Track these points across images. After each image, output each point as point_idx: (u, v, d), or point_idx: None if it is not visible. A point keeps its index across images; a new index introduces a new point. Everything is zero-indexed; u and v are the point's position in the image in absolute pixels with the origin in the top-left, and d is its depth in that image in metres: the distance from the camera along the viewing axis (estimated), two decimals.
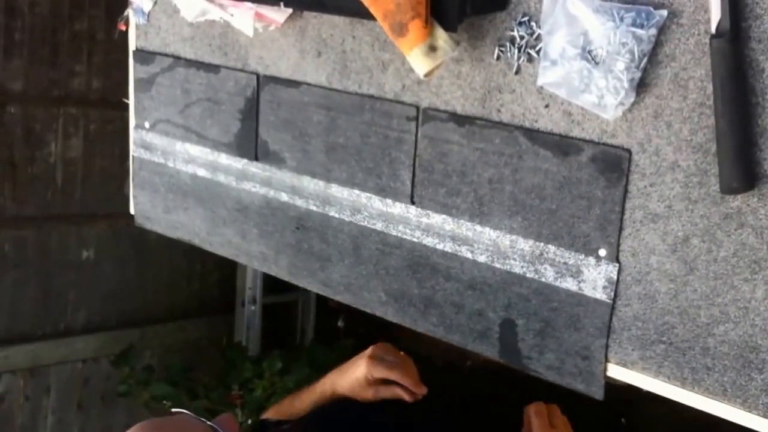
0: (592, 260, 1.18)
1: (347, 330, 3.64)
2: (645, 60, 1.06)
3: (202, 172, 1.73)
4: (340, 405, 1.43)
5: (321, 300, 4.22)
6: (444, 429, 1.40)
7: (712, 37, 1.00)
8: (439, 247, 1.36)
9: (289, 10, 1.45)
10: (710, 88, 1.03)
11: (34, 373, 3.60)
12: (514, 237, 1.26)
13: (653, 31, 1.05)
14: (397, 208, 1.40)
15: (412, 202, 1.38)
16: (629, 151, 1.12)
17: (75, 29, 3.52)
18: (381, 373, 1.42)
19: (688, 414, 1.57)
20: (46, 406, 3.67)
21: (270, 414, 1.54)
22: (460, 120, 1.29)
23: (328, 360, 3.09)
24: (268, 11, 1.46)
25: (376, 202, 1.43)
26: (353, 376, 1.44)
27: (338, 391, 1.45)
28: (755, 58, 0.99)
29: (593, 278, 1.19)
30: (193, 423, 1.10)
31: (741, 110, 1.00)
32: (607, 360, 1.20)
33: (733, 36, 0.98)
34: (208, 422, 1.10)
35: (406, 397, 1.40)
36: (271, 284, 3.98)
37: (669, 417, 1.60)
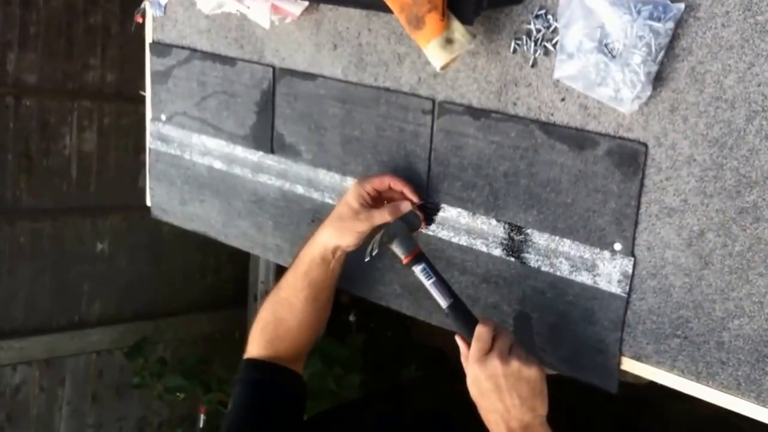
0: (607, 254, 1.18)
1: (359, 325, 3.64)
2: (662, 53, 1.06)
3: (218, 165, 1.74)
4: (337, 411, 1.40)
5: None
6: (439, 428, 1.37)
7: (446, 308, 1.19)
8: (455, 240, 1.36)
9: (306, 3, 1.46)
10: (726, 82, 1.03)
11: (49, 364, 3.64)
12: (529, 230, 1.26)
13: (670, 25, 1.04)
14: None
15: (428, 196, 1.38)
16: (645, 145, 1.12)
17: (89, 22, 3.54)
18: (374, 183, 1.32)
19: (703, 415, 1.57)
20: (61, 397, 3.70)
21: (257, 349, 1.37)
22: (476, 113, 1.29)
23: (341, 354, 3.10)
24: (284, 4, 1.47)
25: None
26: (341, 209, 1.32)
27: (324, 242, 1.32)
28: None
29: (608, 272, 1.19)
30: None
31: None
32: (621, 353, 1.20)
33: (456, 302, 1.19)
34: None
35: (410, 200, 1.32)
36: None
37: (685, 416, 1.59)
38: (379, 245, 1.24)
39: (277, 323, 1.37)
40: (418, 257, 1.22)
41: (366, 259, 1.26)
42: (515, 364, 1.09)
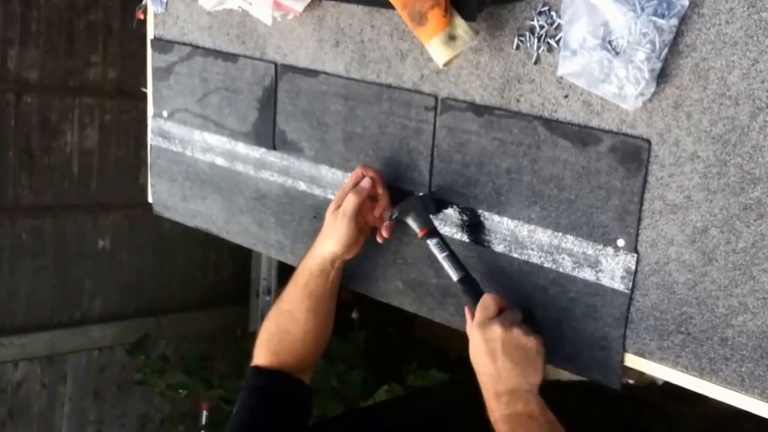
0: (610, 250, 1.18)
1: (361, 321, 3.65)
2: (666, 50, 1.06)
3: (220, 161, 1.74)
4: (340, 417, 1.41)
5: None
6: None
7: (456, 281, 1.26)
8: (457, 237, 1.36)
9: None
10: (730, 79, 1.03)
11: (51, 361, 3.64)
12: (532, 227, 1.26)
13: (674, 21, 1.04)
14: None
15: (430, 192, 1.38)
16: (649, 142, 1.12)
17: (90, 19, 3.54)
18: (345, 189, 1.34)
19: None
20: (62, 393, 3.71)
21: (263, 358, 1.40)
22: (479, 110, 1.29)
23: (343, 351, 3.10)
24: (286, 0, 1.46)
25: (394, 192, 1.43)
26: (328, 221, 1.35)
27: (320, 253, 1.36)
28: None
29: (611, 268, 1.19)
30: None
31: None
32: (624, 350, 1.20)
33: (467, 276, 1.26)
34: None
35: (377, 205, 1.36)
36: (286, 275, 3.99)
37: (688, 418, 1.59)
38: (399, 214, 1.32)
39: (281, 335, 1.40)
40: (432, 232, 1.29)
41: (387, 221, 1.35)
42: (515, 332, 1.14)
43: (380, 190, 1.36)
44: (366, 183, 1.34)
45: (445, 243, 1.28)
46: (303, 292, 1.38)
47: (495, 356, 1.14)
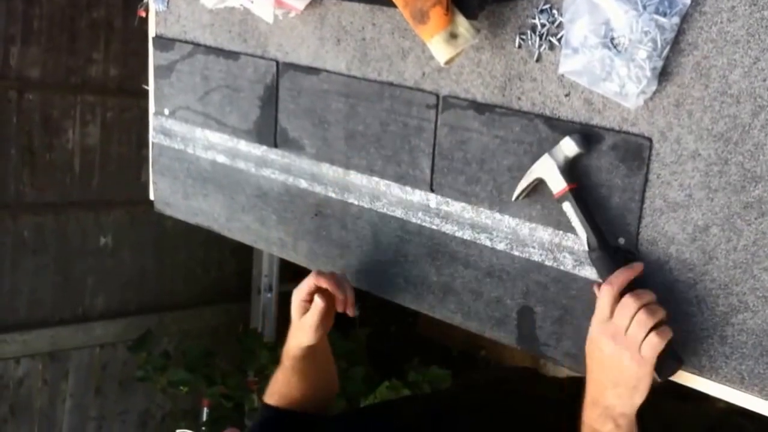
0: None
1: (363, 318, 3.65)
2: (667, 48, 1.06)
3: (221, 159, 1.74)
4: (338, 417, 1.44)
5: None
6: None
7: (589, 252, 1.16)
8: (458, 234, 1.36)
9: None
10: (732, 77, 1.03)
11: (53, 357, 3.64)
12: (533, 225, 1.26)
13: (676, 20, 1.04)
14: (417, 196, 1.41)
15: (432, 190, 1.38)
16: (650, 140, 1.12)
17: (92, 17, 3.53)
18: (304, 288, 1.37)
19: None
20: (64, 390, 3.71)
21: (273, 399, 1.49)
22: (480, 108, 1.29)
23: (344, 348, 3.10)
24: None
25: (396, 190, 1.44)
26: (292, 319, 1.41)
27: (296, 344, 1.41)
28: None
29: None
30: None
31: None
32: None
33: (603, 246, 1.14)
34: None
35: (337, 301, 1.38)
36: (287, 272, 3.99)
37: (686, 415, 1.59)
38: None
39: (288, 392, 1.46)
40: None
41: (514, 199, 1.25)
42: (627, 353, 1.04)
43: (340, 297, 1.38)
44: (320, 302, 1.35)
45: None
46: (291, 372, 1.44)
47: (602, 367, 1.08)
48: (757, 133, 1.02)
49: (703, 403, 1.37)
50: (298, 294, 1.38)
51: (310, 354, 1.42)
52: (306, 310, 1.37)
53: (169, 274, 3.98)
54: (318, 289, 1.37)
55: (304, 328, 1.38)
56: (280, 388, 1.46)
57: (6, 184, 3.43)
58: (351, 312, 1.40)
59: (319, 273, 1.38)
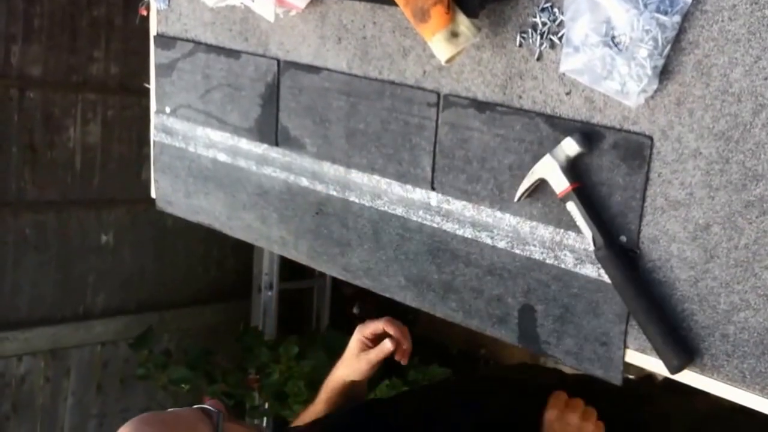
0: None
1: (363, 316, 3.66)
2: (668, 47, 1.06)
3: (222, 157, 1.74)
4: (355, 411, 1.44)
5: (336, 287, 4.23)
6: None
7: (596, 250, 1.16)
8: (459, 232, 1.36)
9: None
10: (733, 76, 1.03)
11: (54, 355, 3.65)
12: (534, 223, 1.26)
13: (677, 18, 1.04)
14: (418, 194, 1.41)
15: (433, 188, 1.38)
16: (651, 138, 1.12)
17: (93, 15, 3.54)
18: (370, 328, 1.42)
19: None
20: (66, 387, 3.72)
21: (298, 422, 1.51)
22: (481, 106, 1.29)
23: (344, 346, 3.10)
24: None
25: (396, 188, 1.44)
26: (348, 351, 1.44)
27: (340, 376, 1.46)
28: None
29: None
30: (184, 412, 1.19)
31: (647, 302, 1.14)
32: (626, 346, 1.20)
33: (609, 244, 1.15)
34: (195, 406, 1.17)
35: (399, 349, 1.41)
36: (288, 270, 4.00)
37: (683, 410, 1.59)
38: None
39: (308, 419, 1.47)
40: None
41: (516, 200, 1.26)
42: None
43: (405, 346, 1.41)
44: (390, 347, 1.39)
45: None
46: (325, 404, 1.46)
47: None
48: (758, 131, 1.02)
49: (701, 399, 1.38)
50: (363, 331, 1.42)
51: (349, 390, 1.45)
52: (365, 347, 1.41)
53: (170, 272, 3.98)
54: (385, 334, 1.40)
55: (360, 363, 1.41)
56: (303, 418, 1.48)
57: (7, 182, 3.43)
58: (405, 361, 1.43)
59: (392, 321, 1.41)
